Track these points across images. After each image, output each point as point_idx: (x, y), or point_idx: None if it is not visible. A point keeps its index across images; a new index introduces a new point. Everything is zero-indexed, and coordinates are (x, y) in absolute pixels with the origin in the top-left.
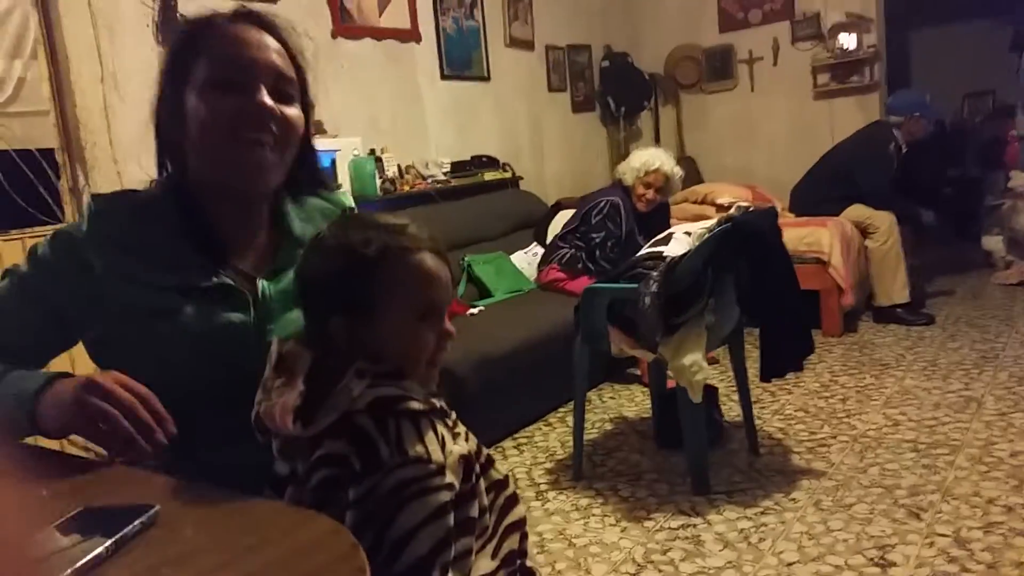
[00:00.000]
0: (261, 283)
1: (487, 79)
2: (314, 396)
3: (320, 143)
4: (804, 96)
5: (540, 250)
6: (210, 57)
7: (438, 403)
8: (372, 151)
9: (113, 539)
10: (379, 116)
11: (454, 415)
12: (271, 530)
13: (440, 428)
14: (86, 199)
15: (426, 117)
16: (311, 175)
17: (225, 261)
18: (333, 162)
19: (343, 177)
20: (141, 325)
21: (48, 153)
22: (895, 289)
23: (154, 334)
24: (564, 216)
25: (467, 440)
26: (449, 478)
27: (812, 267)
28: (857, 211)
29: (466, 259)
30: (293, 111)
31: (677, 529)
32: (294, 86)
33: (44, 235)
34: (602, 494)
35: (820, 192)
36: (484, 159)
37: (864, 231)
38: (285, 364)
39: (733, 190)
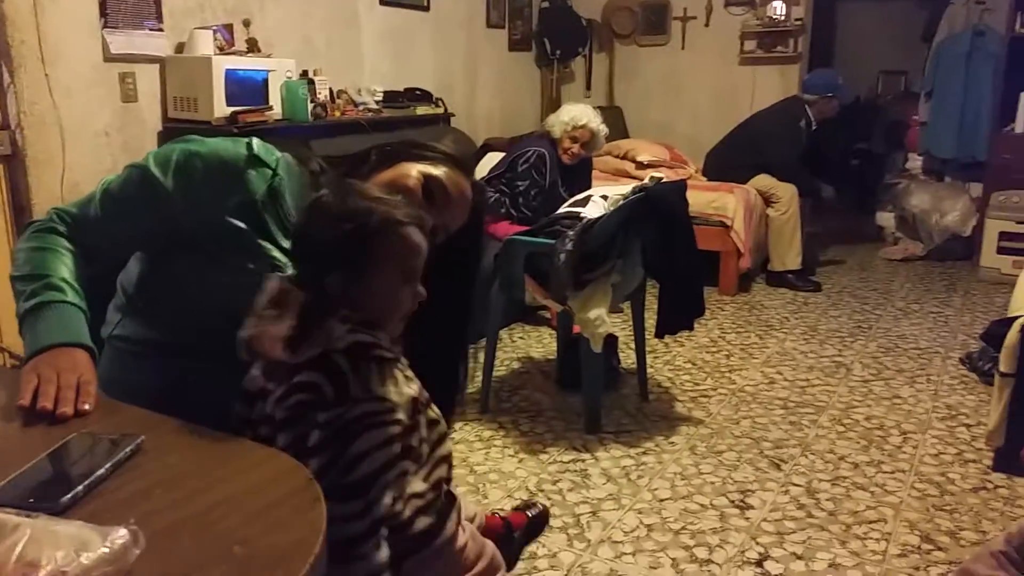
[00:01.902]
0: None
1: (426, 8)
2: (301, 330)
3: (254, 62)
4: (730, 60)
5: None
6: (427, 162)
7: (398, 351)
8: (304, 72)
9: (112, 462)
10: (314, 37)
11: (406, 361)
12: (242, 463)
13: (398, 373)
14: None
15: (362, 43)
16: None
17: None
18: (265, 82)
19: (275, 99)
20: (216, 256)
21: None
22: (789, 256)
23: (220, 266)
24: (491, 159)
25: (414, 380)
26: (400, 415)
27: (716, 230)
28: (763, 181)
29: None
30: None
31: (568, 463)
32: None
33: None
34: (504, 427)
35: (732, 159)
36: (418, 92)
37: (767, 200)
38: (278, 298)
39: (653, 149)
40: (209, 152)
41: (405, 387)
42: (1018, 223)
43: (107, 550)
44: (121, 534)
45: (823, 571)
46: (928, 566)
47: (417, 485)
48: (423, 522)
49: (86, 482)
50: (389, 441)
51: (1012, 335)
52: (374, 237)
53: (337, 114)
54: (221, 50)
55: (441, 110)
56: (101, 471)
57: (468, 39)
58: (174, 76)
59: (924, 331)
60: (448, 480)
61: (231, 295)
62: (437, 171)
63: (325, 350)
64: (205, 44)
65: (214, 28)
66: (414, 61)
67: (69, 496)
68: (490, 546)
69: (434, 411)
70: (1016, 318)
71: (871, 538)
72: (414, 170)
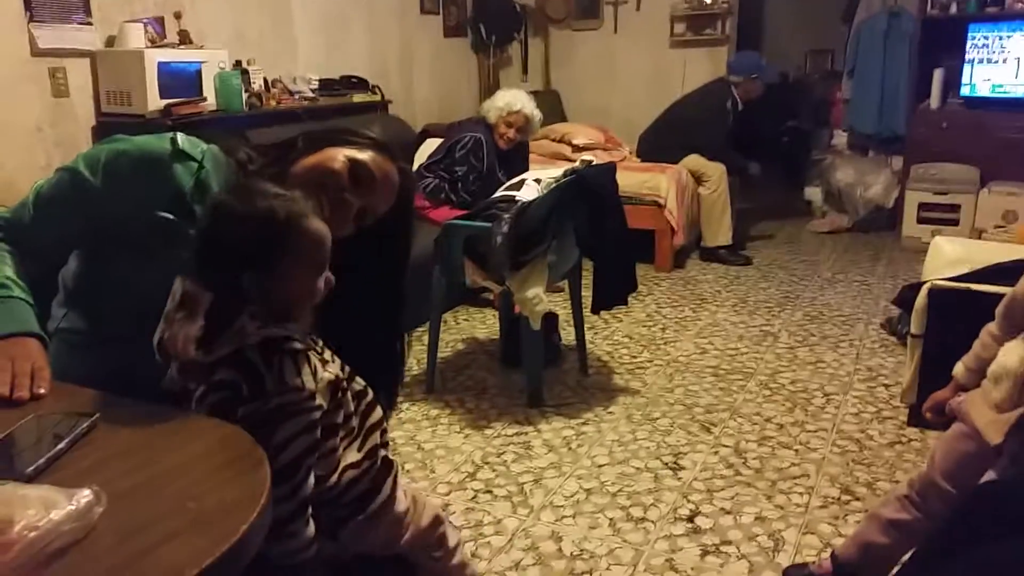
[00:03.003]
0: None
1: None
2: (212, 329)
3: (186, 54)
4: (662, 43)
5: None
6: (353, 147)
7: (312, 337)
8: (238, 62)
9: (69, 438)
10: (246, 26)
11: (321, 343)
12: (190, 433)
13: (314, 359)
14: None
15: (295, 31)
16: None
17: None
18: (199, 73)
19: (208, 90)
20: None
21: None
22: (720, 232)
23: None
24: (430, 145)
25: (333, 361)
26: (319, 401)
27: (650, 209)
28: (693, 161)
29: None
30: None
31: (512, 436)
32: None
33: None
34: (450, 405)
35: (663, 141)
36: (354, 80)
37: (698, 179)
38: (186, 301)
39: (588, 132)
40: (135, 149)
41: (322, 371)
42: (936, 194)
43: (73, 508)
44: (85, 494)
45: (750, 524)
46: (846, 515)
47: (351, 456)
48: (358, 489)
49: (47, 455)
50: (309, 428)
51: (920, 299)
52: (283, 233)
53: (272, 103)
54: (153, 43)
55: (378, 97)
56: (61, 445)
57: (402, 26)
58: (106, 70)
59: (848, 299)
60: (384, 446)
61: (167, 285)
62: (362, 155)
63: (238, 347)
64: (136, 37)
65: (144, 21)
66: (349, 49)
67: (32, 468)
68: (433, 505)
69: (359, 383)
70: (925, 283)
71: (795, 492)
72: (340, 154)
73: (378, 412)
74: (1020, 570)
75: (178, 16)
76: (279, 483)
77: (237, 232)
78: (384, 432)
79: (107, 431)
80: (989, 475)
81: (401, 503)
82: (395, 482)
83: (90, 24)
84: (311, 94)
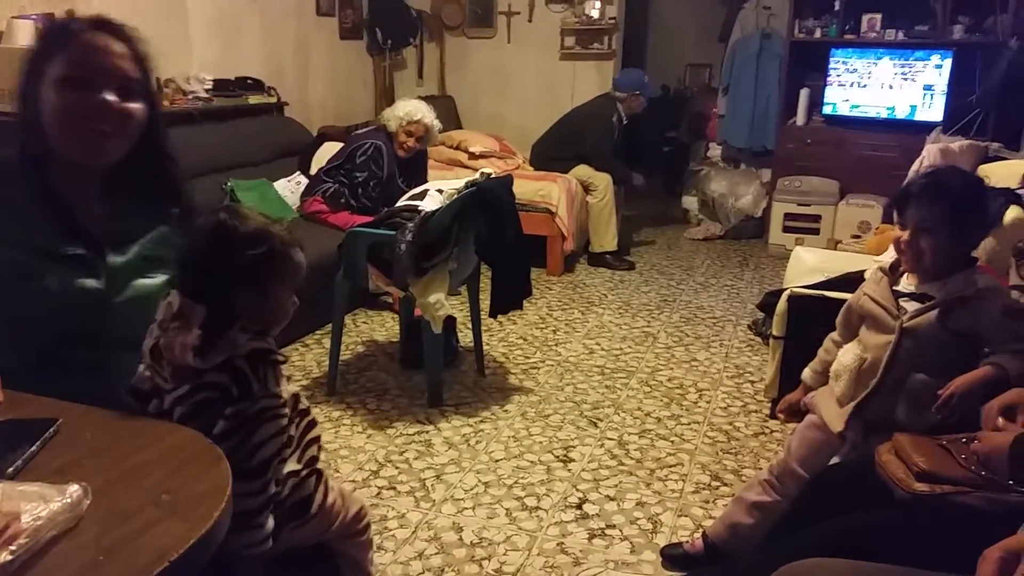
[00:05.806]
0: (110, 258)
1: None
2: (208, 339)
3: None
4: (552, 55)
5: (303, 180)
6: (65, 58)
7: (284, 356)
8: None
9: (40, 440)
10: (140, 24)
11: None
12: (150, 435)
13: (284, 373)
14: None
15: (189, 30)
16: (156, 178)
17: (75, 229)
18: None
19: None
20: (8, 285)
21: None
22: (607, 239)
23: (17, 293)
24: (329, 149)
25: (292, 381)
26: (287, 409)
27: (542, 216)
28: (582, 170)
29: (229, 183)
30: (135, 105)
31: (413, 435)
32: (139, 84)
33: None
34: (352, 407)
35: (554, 151)
36: (249, 81)
37: (586, 188)
38: (181, 312)
39: (484, 140)
40: None
41: (287, 386)
42: (800, 205)
43: (68, 501)
44: (74, 489)
45: (631, 509)
46: (716, 499)
47: (292, 465)
48: (298, 495)
49: (24, 456)
50: (281, 431)
51: (781, 304)
52: (281, 258)
53: (167, 103)
54: None
55: (274, 99)
56: (33, 447)
57: (298, 27)
58: None
59: (720, 302)
60: (318, 459)
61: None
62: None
63: (230, 355)
64: (26, 34)
65: (34, 17)
66: (243, 49)
67: (12, 468)
68: (358, 499)
69: (304, 402)
70: (785, 290)
71: (671, 479)
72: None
73: (316, 431)
74: (849, 540)
75: (71, 14)
76: (252, 479)
77: (236, 253)
78: (320, 448)
79: (71, 434)
80: (836, 460)
81: (330, 496)
82: (326, 488)
83: None
84: (205, 95)
